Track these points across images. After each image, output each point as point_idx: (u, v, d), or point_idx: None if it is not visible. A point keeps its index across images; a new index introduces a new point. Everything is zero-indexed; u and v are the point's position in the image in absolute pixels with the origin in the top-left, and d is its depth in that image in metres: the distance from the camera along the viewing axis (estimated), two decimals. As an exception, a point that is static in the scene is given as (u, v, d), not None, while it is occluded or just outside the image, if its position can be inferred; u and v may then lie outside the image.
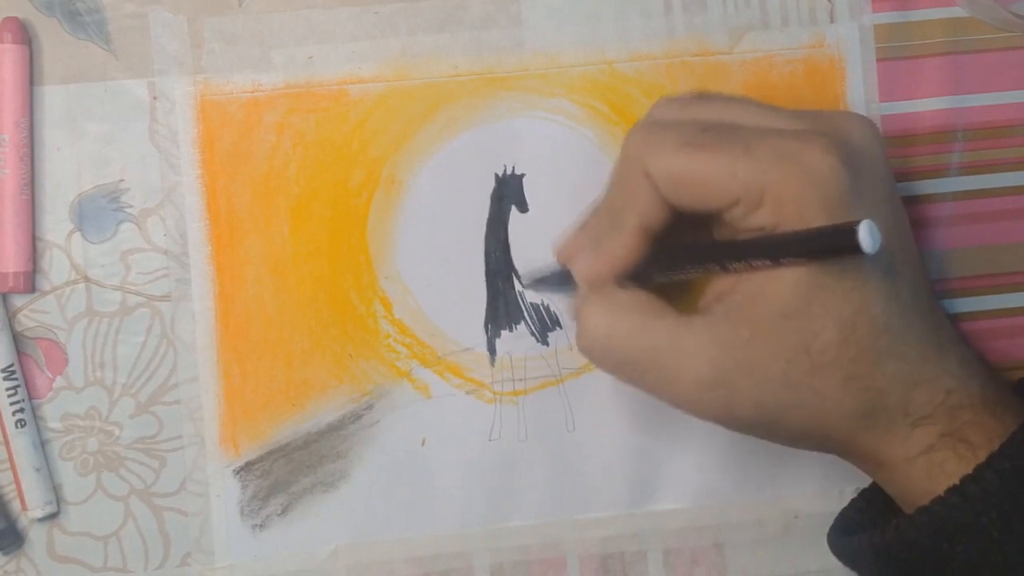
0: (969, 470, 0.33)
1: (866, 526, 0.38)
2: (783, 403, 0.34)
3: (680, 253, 0.37)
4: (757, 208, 0.34)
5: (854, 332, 0.34)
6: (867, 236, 0.30)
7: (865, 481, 0.40)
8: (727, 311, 0.35)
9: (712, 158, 0.34)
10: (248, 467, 0.43)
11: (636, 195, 0.36)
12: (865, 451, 0.36)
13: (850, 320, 0.34)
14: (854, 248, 0.30)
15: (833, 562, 0.43)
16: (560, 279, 0.40)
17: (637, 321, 0.36)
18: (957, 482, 0.33)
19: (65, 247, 0.42)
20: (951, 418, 0.34)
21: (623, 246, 0.36)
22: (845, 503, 0.41)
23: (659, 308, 0.36)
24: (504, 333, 0.43)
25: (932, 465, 0.34)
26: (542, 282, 0.43)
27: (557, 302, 0.43)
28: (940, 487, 0.34)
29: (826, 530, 0.41)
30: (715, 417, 0.35)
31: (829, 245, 0.32)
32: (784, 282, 0.34)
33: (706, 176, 0.34)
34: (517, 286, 0.43)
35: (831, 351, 0.34)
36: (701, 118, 0.36)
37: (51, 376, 0.42)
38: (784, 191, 0.33)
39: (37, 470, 0.42)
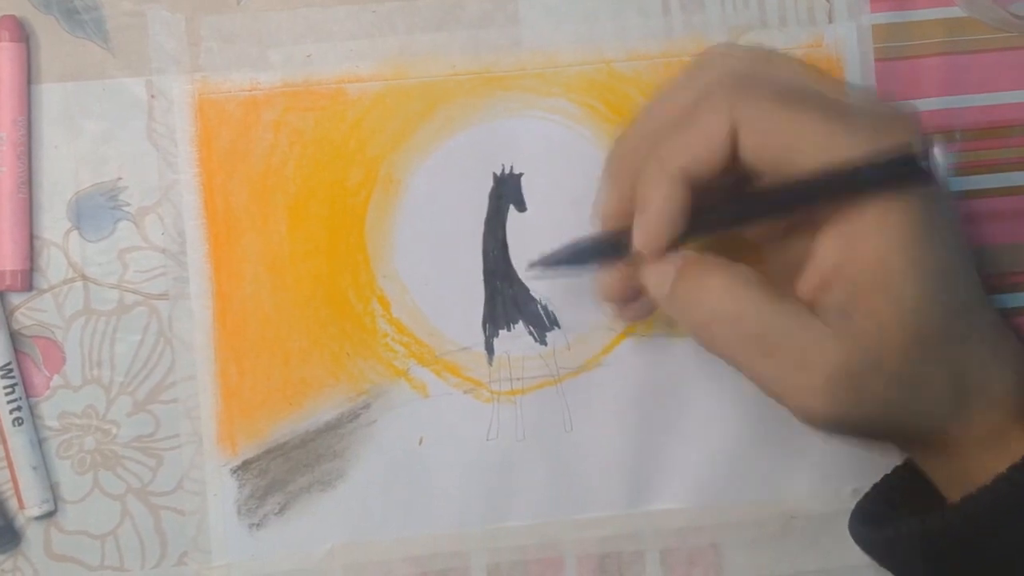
0: None
1: (883, 517, 0.37)
2: (902, 399, 0.33)
3: (732, 205, 0.35)
4: None
5: (950, 317, 0.33)
6: (938, 154, 0.31)
7: (865, 481, 0.40)
8: (850, 303, 0.33)
9: (813, 120, 0.33)
10: (245, 466, 0.43)
11: (700, 138, 0.34)
12: (943, 436, 0.35)
13: (947, 305, 0.33)
14: (921, 171, 0.31)
15: (831, 562, 0.43)
16: (596, 252, 0.38)
17: (765, 297, 0.34)
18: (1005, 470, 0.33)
19: (63, 245, 0.42)
20: (1020, 398, 0.34)
21: (669, 198, 0.34)
22: (843, 503, 0.41)
23: (777, 288, 0.34)
24: (502, 332, 0.43)
25: (1001, 446, 0.34)
26: (563, 262, 0.40)
27: (563, 298, 0.43)
28: (1005, 468, 0.33)
29: (824, 530, 0.41)
30: (835, 414, 0.33)
31: (901, 171, 0.32)
32: (903, 275, 0.32)
33: (802, 138, 0.33)
34: (515, 285, 0.43)
35: (935, 339, 0.33)
36: (788, 76, 0.35)
37: (48, 374, 0.42)
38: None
39: (34, 468, 0.42)
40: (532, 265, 0.41)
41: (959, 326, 0.34)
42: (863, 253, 0.33)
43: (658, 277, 0.35)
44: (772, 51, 0.37)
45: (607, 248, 0.38)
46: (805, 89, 0.34)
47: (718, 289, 0.34)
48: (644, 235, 0.35)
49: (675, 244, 0.35)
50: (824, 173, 0.33)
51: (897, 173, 0.32)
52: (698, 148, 0.34)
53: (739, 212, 0.35)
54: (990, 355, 0.34)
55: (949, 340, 0.33)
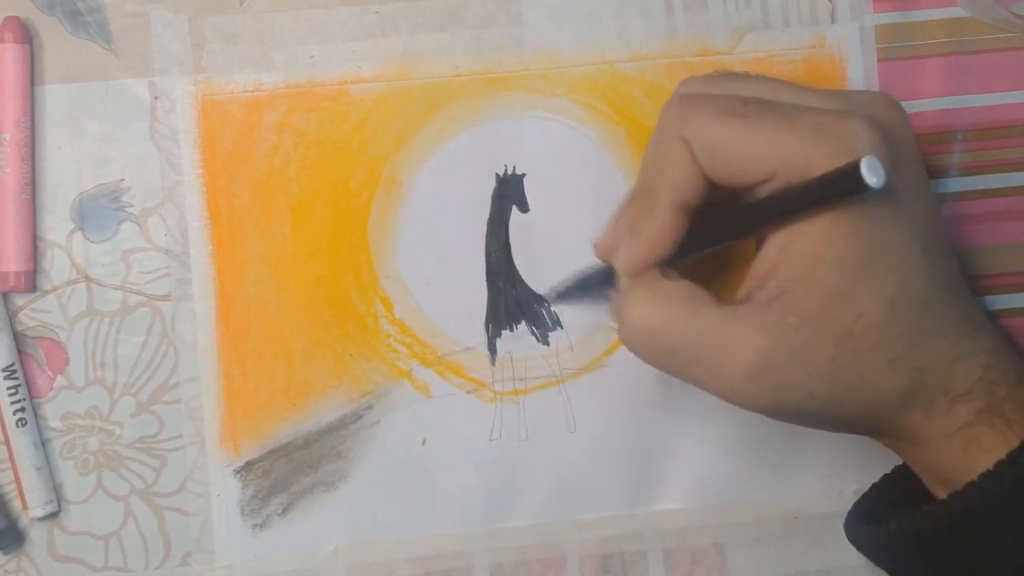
0: (1005, 444, 0.33)
1: (880, 517, 0.38)
2: (832, 390, 0.34)
3: (707, 227, 0.36)
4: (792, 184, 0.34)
5: (895, 312, 0.34)
6: (869, 171, 0.31)
7: (866, 481, 0.40)
8: (772, 298, 0.34)
9: (754, 128, 0.34)
10: (248, 467, 0.43)
11: (672, 167, 0.35)
12: (903, 430, 0.35)
13: (891, 300, 0.34)
14: (860, 185, 0.31)
15: (834, 562, 0.44)
16: (599, 280, 0.39)
17: (683, 311, 0.35)
18: (992, 461, 0.33)
19: (66, 246, 0.42)
20: (988, 393, 0.34)
21: (660, 227, 0.36)
22: (845, 503, 0.41)
23: (704, 298, 0.35)
24: (505, 333, 0.43)
25: (969, 440, 0.34)
26: (573, 291, 0.42)
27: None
28: (976, 462, 0.34)
29: (826, 530, 0.41)
30: (762, 408, 0.35)
31: (840, 187, 0.32)
32: (827, 265, 0.33)
33: (746, 146, 0.34)
34: (518, 286, 0.43)
35: (874, 333, 0.34)
36: (735, 92, 0.36)
37: (52, 375, 0.42)
38: (828, 166, 0.33)
39: (38, 469, 0.42)
40: (546, 295, 0.43)
41: (912, 324, 0.34)
42: (797, 248, 0.34)
43: (619, 298, 0.37)
44: (724, 72, 0.38)
45: (610, 276, 0.38)
46: (750, 100, 0.35)
47: (639, 307, 0.36)
48: (627, 260, 0.36)
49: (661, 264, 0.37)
50: (772, 195, 0.34)
51: (842, 187, 0.32)
52: (673, 176, 0.35)
53: (707, 236, 0.37)
54: (953, 352, 0.34)
55: (898, 337, 0.34)
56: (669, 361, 0.36)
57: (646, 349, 0.36)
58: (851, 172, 0.31)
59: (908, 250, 0.34)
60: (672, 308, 0.35)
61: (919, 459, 0.36)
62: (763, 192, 0.35)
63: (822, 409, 0.35)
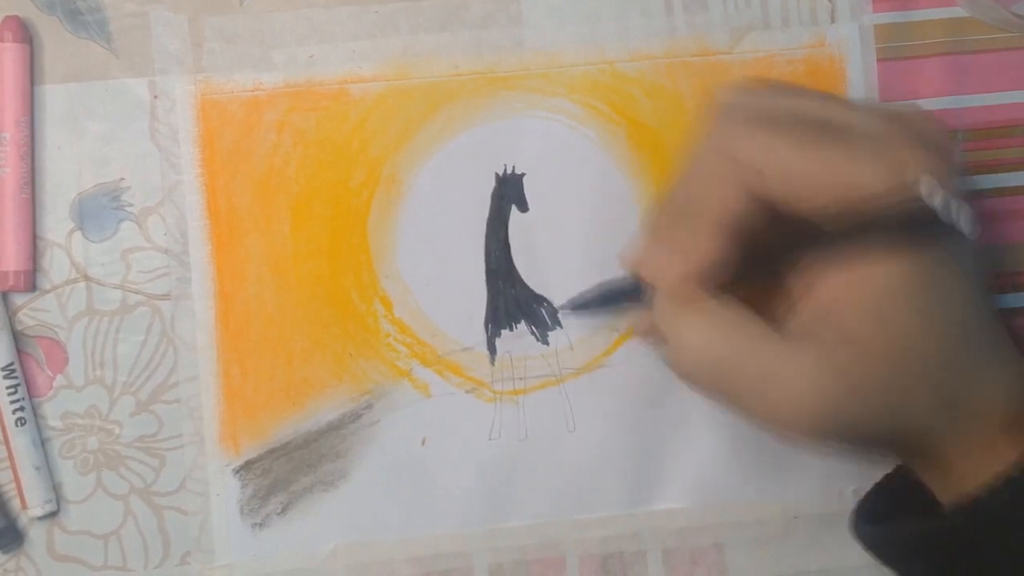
0: (1015, 449, 0.33)
1: (885, 516, 0.37)
2: (886, 422, 0.34)
3: (762, 250, 0.36)
4: None
5: (947, 345, 0.33)
6: (964, 222, 0.31)
7: (866, 481, 0.40)
8: (829, 328, 0.33)
9: (808, 151, 0.33)
10: (248, 466, 0.43)
11: (718, 185, 0.34)
12: (928, 454, 0.35)
13: (945, 335, 0.33)
14: (950, 231, 0.31)
15: (834, 562, 0.43)
16: (622, 292, 0.39)
17: (740, 342, 0.34)
18: (1003, 464, 0.33)
19: (65, 246, 0.42)
20: (1014, 409, 0.34)
21: (704, 241, 0.35)
22: (845, 503, 0.41)
23: (760, 328, 0.34)
24: (504, 332, 0.43)
25: (989, 455, 0.34)
26: (594, 303, 0.42)
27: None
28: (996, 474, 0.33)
29: (826, 530, 0.41)
30: (816, 442, 0.34)
31: (928, 230, 0.32)
32: (899, 304, 0.33)
33: (800, 171, 0.33)
34: (517, 286, 0.43)
35: (924, 365, 0.33)
36: (783, 108, 0.35)
37: (51, 375, 0.42)
38: (889, 195, 0.32)
39: (37, 468, 0.42)
40: (561, 307, 0.43)
41: (955, 355, 0.34)
42: (868, 285, 0.33)
43: (659, 312, 0.36)
44: (763, 83, 0.37)
45: (636, 289, 0.38)
46: (803, 120, 0.34)
47: (692, 333, 0.35)
48: (672, 275, 0.35)
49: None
50: (835, 224, 0.33)
51: (930, 230, 0.32)
52: (719, 193, 0.34)
53: (763, 260, 0.36)
54: (983, 374, 0.34)
55: (941, 367, 0.34)
56: (718, 391, 0.35)
57: (696, 377, 0.35)
58: (948, 220, 0.31)
59: (962, 281, 0.34)
60: (727, 337, 0.34)
61: (934, 471, 0.36)
62: (813, 215, 0.34)
63: (874, 440, 0.34)
